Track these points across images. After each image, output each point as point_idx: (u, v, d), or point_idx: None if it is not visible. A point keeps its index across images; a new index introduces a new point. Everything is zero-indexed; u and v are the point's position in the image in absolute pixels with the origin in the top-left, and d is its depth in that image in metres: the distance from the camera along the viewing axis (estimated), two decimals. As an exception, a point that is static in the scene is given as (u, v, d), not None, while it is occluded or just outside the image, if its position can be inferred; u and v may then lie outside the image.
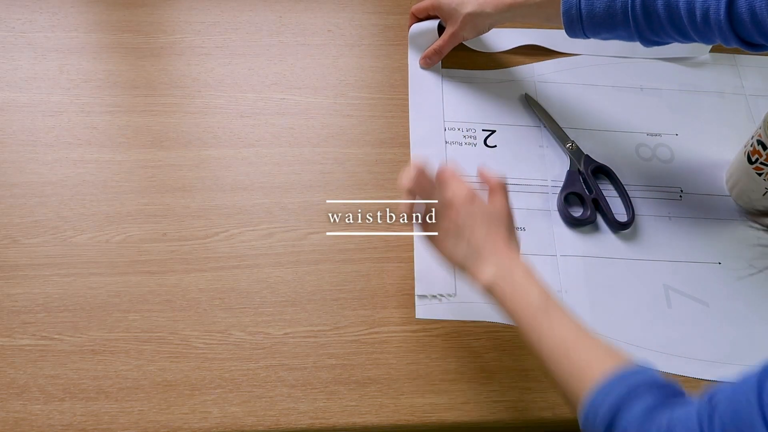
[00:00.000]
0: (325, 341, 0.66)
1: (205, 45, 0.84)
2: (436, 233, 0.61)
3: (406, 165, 0.77)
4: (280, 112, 0.80)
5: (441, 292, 0.69)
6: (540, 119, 0.82)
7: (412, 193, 0.61)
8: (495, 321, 0.69)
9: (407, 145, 0.79)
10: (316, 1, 0.89)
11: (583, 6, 0.69)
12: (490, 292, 0.58)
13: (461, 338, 0.68)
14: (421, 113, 0.81)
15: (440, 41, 0.83)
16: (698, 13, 0.63)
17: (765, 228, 0.50)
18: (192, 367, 0.64)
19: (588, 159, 0.79)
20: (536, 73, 0.86)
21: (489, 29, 0.81)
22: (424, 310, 0.69)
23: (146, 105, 0.79)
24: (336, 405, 0.63)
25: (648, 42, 0.70)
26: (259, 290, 0.68)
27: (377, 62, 0.85)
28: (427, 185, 0.62)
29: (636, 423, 0.47)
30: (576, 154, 0.79)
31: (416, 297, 0.69)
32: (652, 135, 0.82)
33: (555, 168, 0.79)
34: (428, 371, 0.66)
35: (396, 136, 0.79)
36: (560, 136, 0.80)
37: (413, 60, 0.85)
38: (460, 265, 0.60)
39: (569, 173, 0.78)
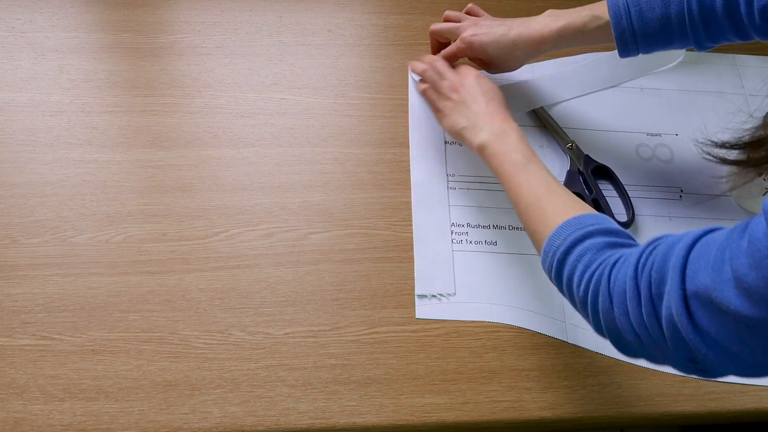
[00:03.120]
0: (325, 341, 0.66)
1: (205, 45, 0.84)
2: (442, 108, 0.74)
3: (405, 163, 0.77)
4: (280, 112, 0.80)
5: (441, 292, 0.70)
6: (540, 119, 0.82)
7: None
8: (495, 321, 0.69)
9: (407, 145, 0.79)
10: (316, 1, 0.89)
11: (635, 25, 0.67)
12: (481, 152, 0.69)
13: (461, 338, 0.68)
14: (421, 114, 0.81)
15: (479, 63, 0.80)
16: (757, 10, 0.61)
17: (718, 160, 0.59)
18: (192, 367, 0.64)
19: (588, 159, 0.79)
20: (536, 72, 0.86)
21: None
22: (424, 310, 0.69)
23: (146, 105, 0.79)
24: (336, 405, 0.63)
25: (703, 47, 0.68)
26: (259, 290, 0.68)
27: (377, 62, 0.85)
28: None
29: (584, 257, 0.54)
30: (576, 154, 0.79)
31: (416, 297, 0.69)
32: (652, 135, 0.82)
33: (555, 168, 0.79)
34: (428, 371, 0.66)
35: (396, 136, 0.79)
36: (560, 136, 0.80)
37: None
38: (458, 134, 0.72)
39: (569, 173, 0.78)
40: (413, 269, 0.71)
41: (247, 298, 0.68)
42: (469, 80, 0.73)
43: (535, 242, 0.61)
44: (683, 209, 0.77)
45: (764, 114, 0.55)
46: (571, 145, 0.79)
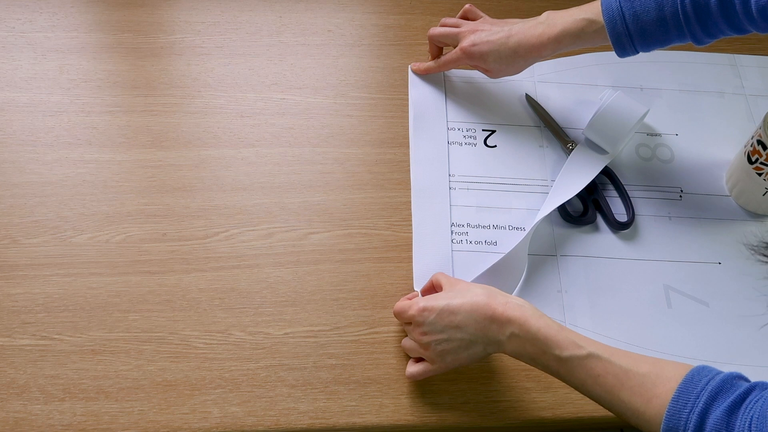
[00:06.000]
0: (325, 341, 0.66)
1: (205, 45, 0.84)
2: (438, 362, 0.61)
3: (405, 163, 0.77)
4: (280, 112, 0.80)
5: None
6: (540, 119, 0.82)
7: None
8: (495, 321, 0.69)
9: (407, 145, 0.79)
10: (316, 1, 0.89)
11: (631, 28, 0.67)
12: (516, 357, 0.59)
13: (461, 338, 0.68)
14: (421, 114, 0.81)
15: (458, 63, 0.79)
16: (756, 10, 0.60)
17: None
18: (192, 367, 0.64)
19: (588, 159, 0.78)
20: (536, 73, 0.86)
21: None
22: (424, 310, 0.68)
23: (146, 105, 0.79)
24: (336, 405, 0.63)
25: (702, 43, 0.67)
26: (259, 290, 0.68)
27: (377, 62, 0.85)
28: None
29: (721, 425, 0.49)
30: (576, 154, 0.79)
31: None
32: (652, 135, 0.82)
33: (555, 168, 0.79)
34: (428, 371, 0.66)
35: (396, 136, 0.79)
36: (560, 136, 0.80)
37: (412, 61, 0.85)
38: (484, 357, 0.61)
39: (569, 173, 0.78)
40: (413, 269, 0.71)
41: (247, 298, 0.68)
42: (437, 315, 0.60)
43: (632, 417, 0.54)
44: (683, 209, 0.77)
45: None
46: (571, 145, 0.79)
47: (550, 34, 0.71)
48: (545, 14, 0.73)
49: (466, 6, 0.80)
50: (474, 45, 0.75)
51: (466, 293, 0.60)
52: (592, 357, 0.55)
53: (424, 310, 0.60)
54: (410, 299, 0.65)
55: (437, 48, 0.82)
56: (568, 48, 0.72)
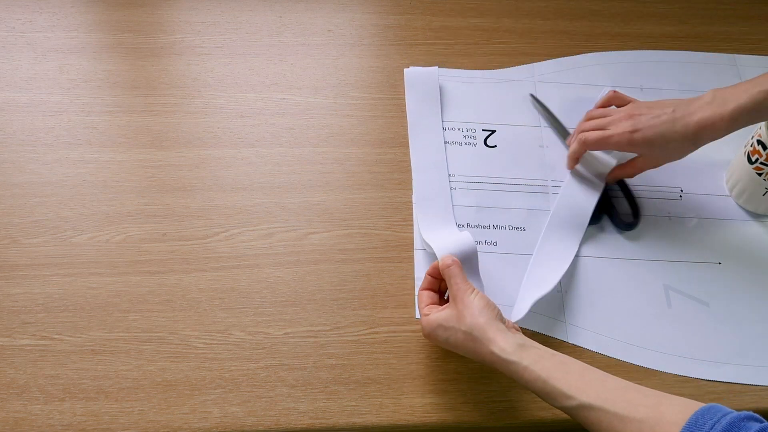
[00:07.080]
0: (325, 341, 0.66)
1: (205, 45, 0.84)
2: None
3: (405, 163, 0.77)
4: (280, 112, 0.80)
5: (441, 292, 0.69)
6: (543, 119, 0.82)
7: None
8: (495, 321, 0.69)
9: (407, 145, 0.79)
10: (316, 1, 0.90)
11: None
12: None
13: (461, 338, 0.68)
14: (420, 114, 0.81)
15: (630, 169, 0.73)
16: None
17: None
18: (192, 367, 0.64)
19: (588, 159, 0.78)
20: (536, 73, 0.86)
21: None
22: (424, 310, 0.68)
23: (146, 105, 0.79)
24: (336, 405, 0.63)
25: None
26: (259, 290, 0.68)
27: (377, 62, 0.85)
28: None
29: None
30: (576, 154, 0.79)
31: (416, 296, 0.69)
32: (652, 135, 0.82)
33: (555, 168, 0.79)
34: (428, 371, 0.66)
35: (396, 136, 0.79)
36: (563, 136, 0.80)
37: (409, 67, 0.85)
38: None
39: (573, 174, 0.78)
40: (413, 269, 0.71)
41: (247, 298, 0.68)
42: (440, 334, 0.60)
43: None
44: (683, 209, 0.77)
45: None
46: (573, 146, 0.79)
47: (723, 113, 0.66)
48: (710, 92, 0.68)
49: (610, 92, 0.75)
50: (637, 130, 0.69)
51: (458, 331, 0.58)
52: (583, 407, 0.53)
53: (428, 336, 0.61)
54: (435, 275, 0.64)
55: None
56: (742, 126, 0.67)
